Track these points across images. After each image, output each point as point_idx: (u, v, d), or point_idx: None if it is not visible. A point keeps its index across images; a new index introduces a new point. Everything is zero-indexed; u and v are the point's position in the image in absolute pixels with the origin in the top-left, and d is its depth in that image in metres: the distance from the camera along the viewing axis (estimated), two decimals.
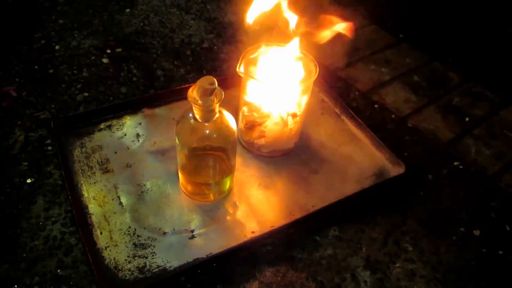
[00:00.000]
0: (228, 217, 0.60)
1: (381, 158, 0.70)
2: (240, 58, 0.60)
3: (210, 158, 0.59)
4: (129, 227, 0.57)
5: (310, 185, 0.65)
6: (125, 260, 0.54)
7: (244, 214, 0.60)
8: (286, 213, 0.61)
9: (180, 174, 0.61)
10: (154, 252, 0.55)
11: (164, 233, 0.57)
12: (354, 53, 0.95)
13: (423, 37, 1.02)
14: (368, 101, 0.83)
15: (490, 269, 0.59)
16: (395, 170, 0.67)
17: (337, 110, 0.78)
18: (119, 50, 0.90)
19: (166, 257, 0.54)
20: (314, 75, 0.60)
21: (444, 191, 0.68)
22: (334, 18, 0.61)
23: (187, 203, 0.61)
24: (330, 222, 0.61)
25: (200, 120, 0.51)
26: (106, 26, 0.96)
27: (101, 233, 0.56)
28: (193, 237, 0.57)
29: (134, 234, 0.56)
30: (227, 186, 0.61)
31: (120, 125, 0.71)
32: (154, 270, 0.53)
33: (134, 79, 0.83)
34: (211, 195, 0.61)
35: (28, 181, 0.63)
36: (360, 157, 0.70)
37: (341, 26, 0.61)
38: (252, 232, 0.58)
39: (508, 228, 0.64)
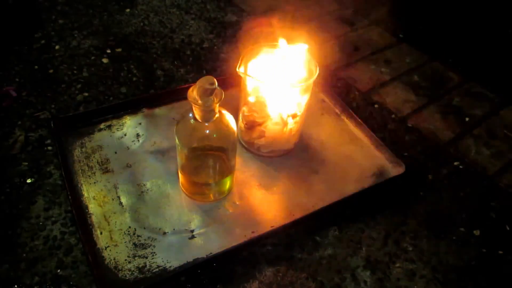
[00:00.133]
0: (228, 217, 0.60)
1: (381, 158, 0.70)
2: (240, 58, 0.60)
3: (210, 158, 0.59)
4: (129, 227, 0.57)
5: (310, 185, 0.65)
6: (125, 260, 0.54)
7: (244, 214, 0.60)
8: (286, 213, 0.61)
9: (180, 174, 0.61)
10: (154, 252, 0.55)
11: (164, 233, 0.57)
12: (354, 53, 0.95)
13: (423, 37, 1.02)
14: (368, 101, 0.83)
15: (490, 269, 0.59)
16: (395, 170, 0.67)
17: (337, 110, 0.78)
18: (119, 50, 0.90)
19: (166, 257, 0.54)
20: (314, 75, 0.60)
21: (444, 191, 0.68)
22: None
23: (187, 203, 0.61)
24: (330, 222, 0.61)
25: (200, 120, 0.51)
26: (106, 26, 0.96)
27: (101, 233, 0.56)
28: (193, 237, 0.57)
29: (134, 234, 0.56)
30: (227, 186, 0.61)
31: (120, 125, 0.71)
32: (154, 270, 0.53)
33: (134, 79, 0.83)
34: (211, 195, 0.61)
35: (28, 181, 0.63)
36: (360, 157, 0.70)
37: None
38: (252, 232, 0.58)
39: (508, 228, 0.64)
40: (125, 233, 0.56)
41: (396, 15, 1.10)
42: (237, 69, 0.59)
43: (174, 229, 0.57)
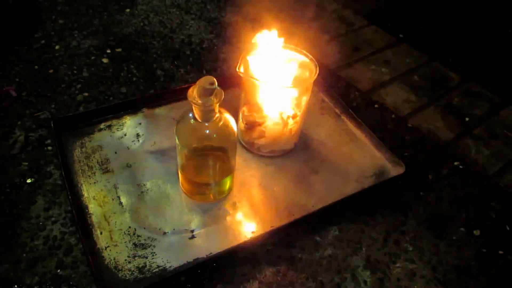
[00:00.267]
0: (228, 217, 0.60)
1: (381, 158, 0.70)
2: (240, 58, 0.60)
3: (210, 158, 0.59)
4: (129, 227, 0.57)
5: (310, 185, 0.65)
6: (125, 260, 0.53)
7: (244, 214, 0.60)
8: (286, 213, 0.61)
9: (180, 174, 0.61)
10: (154, 252, 0.55)
11: (164, 233, 0.57)
12: (354, 53, 0.95)
13: (423, 37, 1.02)
14: (368, 101, 0.83)
15: (490, 269, 0.59)
16: (395, 170, 0.67)
17: (337, 110, 0.78)
18: (119, 50, 0.90)
19: (166, 257, 0.54)
20: (314, 75, 0.60)
21: (444, 191, 0.68)
22: None
23: (187, 203, 0.61)
24: (330, 222, 0.61)
25: (200, 120, 0.51)
26: (106, 26, 0.96)
27: (101, 233, 0.56)
28: (193, 237, 0.57)
29: (134, 234, 0.56)
30: (227, 186, 0.61)
31: (120, 125, 0.71)
32: (154, 270, 0.53)
33: (134, 79, 0.83)
34: (211, 195, 0.61)
35: (28, 181, 0.63)
36: (360, 157, 0.70)
37: None
38: (252, 232, 0.58)
39: (508, 228, 0.64)
40: (125, 233, 0.56)
41: (396, 15, 1.10)
42: (237, 69, 0.59)
43: (174, 229, 0.57)
